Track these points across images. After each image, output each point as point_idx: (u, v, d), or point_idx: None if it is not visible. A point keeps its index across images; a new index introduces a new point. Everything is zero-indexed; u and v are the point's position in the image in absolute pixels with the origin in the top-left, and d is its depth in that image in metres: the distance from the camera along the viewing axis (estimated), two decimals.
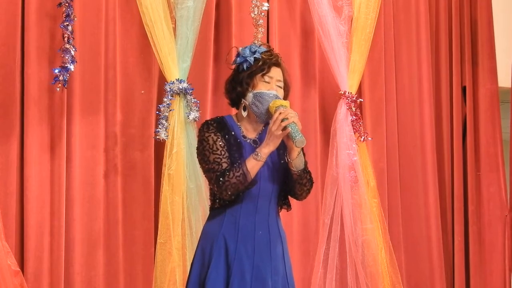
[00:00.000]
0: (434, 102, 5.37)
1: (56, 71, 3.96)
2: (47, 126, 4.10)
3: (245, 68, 3.08)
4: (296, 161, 3.03)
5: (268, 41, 4.72)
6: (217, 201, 3.07)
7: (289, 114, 2.95)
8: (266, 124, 3.11)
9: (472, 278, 5.38)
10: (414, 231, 5.20)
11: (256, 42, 4.44)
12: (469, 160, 5.44)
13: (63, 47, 3.98)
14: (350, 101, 4.77)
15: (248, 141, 3.10)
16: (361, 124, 4.81)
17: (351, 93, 4.79)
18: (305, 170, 3.09)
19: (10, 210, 3.97)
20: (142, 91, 4.38)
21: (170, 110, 4.22)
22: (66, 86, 4.00)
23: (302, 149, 3.09)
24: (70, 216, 4.13)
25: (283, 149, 3.10)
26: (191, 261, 3.22)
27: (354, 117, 4.77)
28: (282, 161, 3.11)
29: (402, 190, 5.17)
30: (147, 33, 4.24)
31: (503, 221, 5.40)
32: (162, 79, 4.33)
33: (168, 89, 4.22)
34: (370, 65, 5.02)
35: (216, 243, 3.02)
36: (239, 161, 2.98)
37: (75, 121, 4.18)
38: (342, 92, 4.78)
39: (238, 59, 3.12)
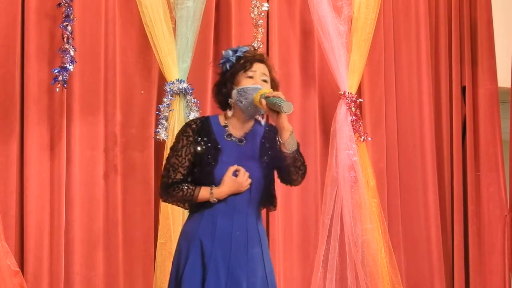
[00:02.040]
0: (434, 102, 5.37)
1: (56, 71, 3.96)
2: (47, 126, 4.10)
3: (228, 67, 3.10)
4: (289, 142, 3.01)
5: (268, 41, 4.72)
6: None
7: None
8: (258, 123, 3.13)
9: (471, 278, 5.38)
10: (414, 231, 5.20)
11: (256, 42, 4.44)
12: (469, 160, 5.44)
13: (62, 47, 3.99)
14: (350, 101, 4.77)
15: (233, 139, 3.08)
16: (361, 124, 4.81)
17: (351, 93, 4.80)
18: (299, 152, 3.07)
19: (10, 210, 3.98)
20: (142, 91, 4.38)
21: (170, 110, 4.22)
22: (65, 86, 4.00)
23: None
24: (70, 216, 4.13)
25: (269, 143, 3.10)
26: None
27: (354, 117, 4.77)
28: (265, 158, 3.09)
29: (402, 190, 5.17)
30: (147, 33, 4.24)
31: (503, 221, 5.40)
32: (162, 79, 4.33)
33: (168, 89, 4.23)
34: (369, 65, 5.02)
35: (193, 243, 3.02)
36: (193, 187, 3.02)
37: (75, 122, 4.18)
38: (342, 92, 4.78)
39: (221, 61, 3.15)
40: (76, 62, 4.02)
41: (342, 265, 4.67)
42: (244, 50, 3.13)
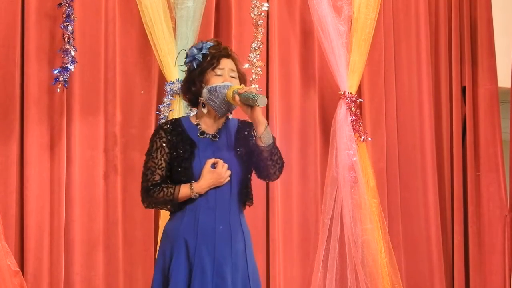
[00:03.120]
0: (434, 102, 5.37)
1: (56, 71, 3.96)
2: (47, 126, 4.10)
3: (195, 66, 3.09)
4: (265, 136, 2.98)
5: (268, 41, 4.72)
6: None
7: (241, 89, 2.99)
8: (227, 119, 3.12)
9: (472, 278, 5.38)
10: (414, 231, 5.20)
11: (256, 42, 4.44)
12: (469, 160, 5.44)
13: (63, 47, 3.99)
14: (350, 101, 4.77)
15: (207, 136, 3.08)
16: (361, 124, 4.81)
17: (351, 93, 4.80)
18: (275, 146, 3.05)
19: (10, 210, 3.98)
20: (142, 91, 4.38)
21: (170, 110, 4.22)
22: (66, 86, 4.00)
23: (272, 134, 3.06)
24: (70, 216, 4.13)
25: (243, 137, 3.10)
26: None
27: (353, 117, 4.77)
28: (241, 149, 3.08)
29: (402, 190, 5.17)
30: (147, 33, 4.24)
31: (503, 221, 5.40)
32: (162, 79, 4.33)
33: (168, 89, 4.23)
34: (369, 65, 5.02)
35: (176, 243, 3.00)
36: (172, 186, 3.01)
37: (75, 122, 4.18)
38: (342, 92, 4.78)
39: (187, 59, 3.13)
40: (76, 62, 4.02)
41: (342, 265, 4.67)
42: (208, 46, 3.11)
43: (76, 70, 4.07)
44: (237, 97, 2.96)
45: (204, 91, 3.05)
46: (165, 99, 4.23)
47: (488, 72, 5.50)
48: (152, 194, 3.04)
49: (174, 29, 4.31)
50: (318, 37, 4.81)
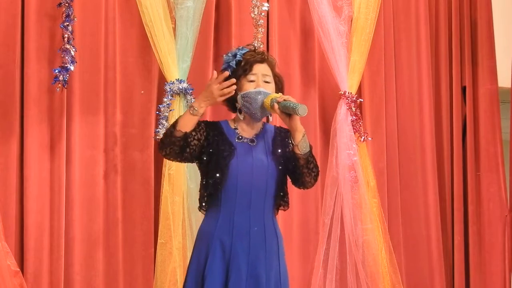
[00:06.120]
0: (434, 102, 5.37)
1: (56, 71, 3.96)
2: (47, 126, 4.10)
3: (230, 73, 3.10)
4: (302, 144, 3.06)
5: (268, 41, 4.72)
6: (206, 201, 3.10)
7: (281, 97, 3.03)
8: (264, 125, 3.19)
9: (472, 278, 5.38)
10: (414, 231, 5.20)
11: (256, 42, 4.44)
12: (469, 160, 5.44)
13: (63, 47, 3.99)
14: (350, 101, 4.77)
15: (244, 140, 3.13)
16: (361, 124, 4.81)
17: (351, 93, 4.80)
18: (311, 154, 3.12)
19: (10, 210, 3.98)
20: (142, 91, 4.38)
21: (170, 110, 4.22)
22: (66, 86, 4.00)
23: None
24: (70, 216, 4.13)
25: (280, 142, 3.15)
26: None
27: (354, 117, 4.77)
28: (279, 150, 3.13)
29: (402, 190, 5.17)
30: (147, 33, 4.24)
31: (503, 221, 5.40)
32: (162, 79, 4.33)
33: (168, 89, 4.23)
34: (370, 65, 5.02)
35: (211, 243, 3.04)
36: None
37: (75, 121, 4.18)
38: (342, 92, 4.78)
39: (222, 66, 3.16)
40: (76, 62, 4.02)
41: (342, 265, 4.67)
42: (243, 52, 3.14)
43: (76, 70, 4.08)
44: (276, 106, 3.01)
45: (238, 97, 3.10)
46: (165, 99, 4.23)
47: (488, 72, 5.50)
48: (162, 138, 3.03)
49: (174, 29, 4.32)
50: (318, 37, 4.81)
